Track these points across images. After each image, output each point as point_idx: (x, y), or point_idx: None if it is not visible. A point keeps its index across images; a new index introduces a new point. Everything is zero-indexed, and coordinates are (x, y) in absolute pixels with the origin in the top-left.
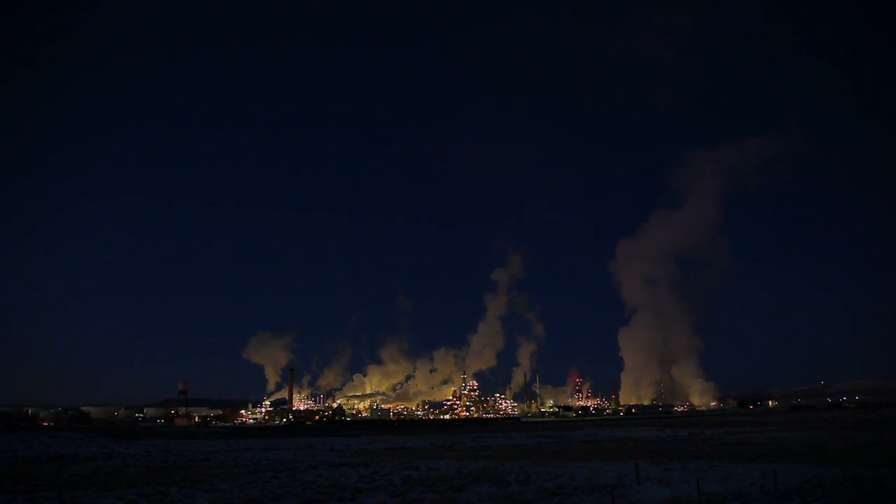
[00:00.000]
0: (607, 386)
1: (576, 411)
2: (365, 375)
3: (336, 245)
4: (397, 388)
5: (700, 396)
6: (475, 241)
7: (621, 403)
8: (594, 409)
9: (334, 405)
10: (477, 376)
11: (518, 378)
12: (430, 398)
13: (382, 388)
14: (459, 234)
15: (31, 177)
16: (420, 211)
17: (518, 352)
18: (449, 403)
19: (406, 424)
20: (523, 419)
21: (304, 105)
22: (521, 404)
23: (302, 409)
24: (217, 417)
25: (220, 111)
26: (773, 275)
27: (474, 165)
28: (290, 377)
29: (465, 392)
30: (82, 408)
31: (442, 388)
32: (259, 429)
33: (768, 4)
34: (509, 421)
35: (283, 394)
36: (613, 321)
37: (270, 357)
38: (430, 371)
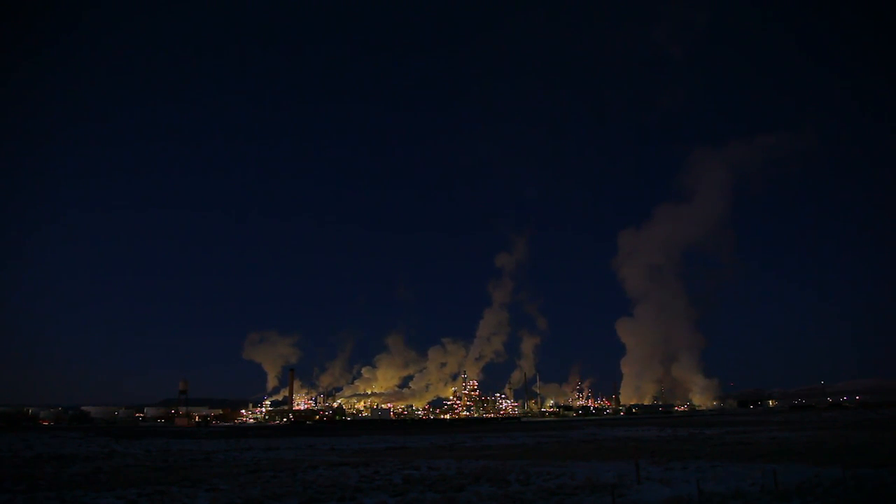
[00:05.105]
0: (608, 386)
1: (576, 411)
2: (375, 368)
3: (337, 246)
4: (409, 382)
5: (701, 393)
6: (479, 241)
7: (622, 403)
8: (594, 408)
9: (335, 405)
10: (485, 368)
11: (518, 375)
12: (443, 393)
13: (393, 382)
14: (463, 234)
15: (32, 180)
16: (423, 213)
17: (522, 345)
18: (449, 403)
19: (406, 424)
20: (523, 419)
21: (304, 109)
22: (521, 400)
23: (302, 408)
24: (217, 417)
25: (223, 116)
26: (773, 274)
27: (477, 164)
28: (291, 377)
29: (465, 392)
30: (83, 407)
31: (453, 382)
32: (259, 428)
33: (776, 4)
34: (509, 420)
35: (284, 393)
36: (616, 320)
37: (270, 356)
38: (441, 365)
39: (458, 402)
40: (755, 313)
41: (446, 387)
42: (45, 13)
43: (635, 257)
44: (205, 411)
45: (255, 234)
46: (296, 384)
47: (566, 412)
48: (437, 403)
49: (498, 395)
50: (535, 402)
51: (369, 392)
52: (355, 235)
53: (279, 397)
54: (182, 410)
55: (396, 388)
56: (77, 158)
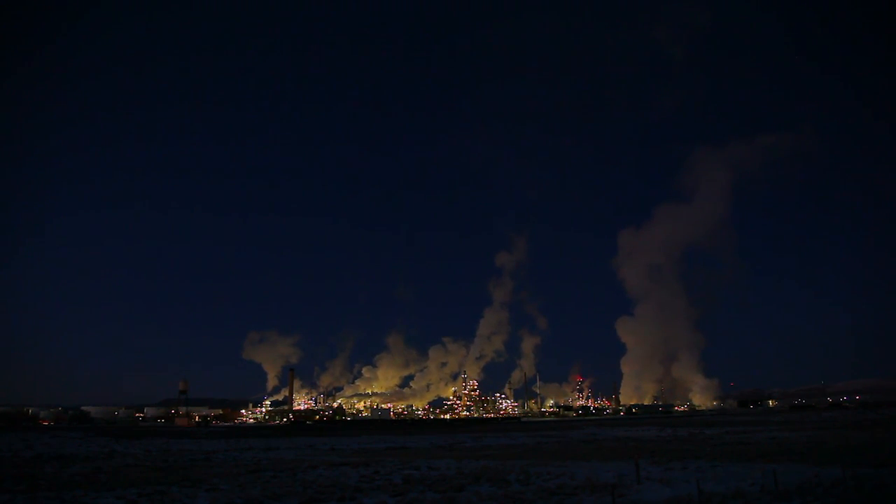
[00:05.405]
0: (608, 386)
1: (576, 411)
2: (376, 367)
3: (337, 246)
4: (410, 381)
5: (701, 393)
6: (479, 241)
7: (622, 403)
8: (594, 408)
9: (335, 405)
10: (485, 368)
11: (518, 375)
12: (443, 393)
13: (393, 382)
14: (463, 234)
15: (32, 180)
16: (423, 213)
17: (522, 345)
18: (449, 403)
19: (406, 424)
20: (523, 419)
21: (304, 109)
22: (521, 400)
23: (302, 408)
24: (217, 417)
25: (224, 117)
26: (773, 274)
27: (477, 164)
28: (291, 376)
29: (466, 392)
30: (83, 407)
31: (453, 382)
32: (259, 428)
33: (776, 4)
34: (509, 420)
35: (284, 393)
36: (616, 320)
37: (270, 356)
38: (442, 365)
39: (458, 401)
40: (755, 313)
41: (447, 387)
42: (44, 13)
43: (635, 257)
44: (205, 411)
45: (255, 234)
46: (296, 384)
47: (566, 412)
48: (438, 403)
49: (498, 394)
50: (535, 402)
51: (370, 392)
52: (355, 235)
53: (279, 397)
54: (182, 410)
55: (397, 388)
56: (77, 158)
